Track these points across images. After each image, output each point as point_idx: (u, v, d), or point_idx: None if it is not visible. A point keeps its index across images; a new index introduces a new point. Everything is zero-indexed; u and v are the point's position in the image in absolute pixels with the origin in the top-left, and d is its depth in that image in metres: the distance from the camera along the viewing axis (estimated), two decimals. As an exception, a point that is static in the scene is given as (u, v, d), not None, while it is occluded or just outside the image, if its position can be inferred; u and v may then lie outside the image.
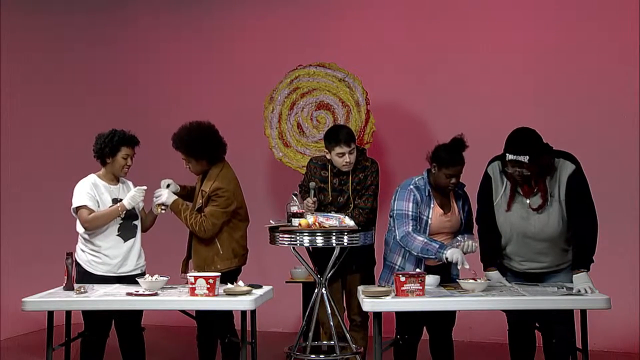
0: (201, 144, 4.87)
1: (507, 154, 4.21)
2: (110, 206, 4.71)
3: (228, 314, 4.76)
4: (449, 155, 4.43)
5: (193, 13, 7.26)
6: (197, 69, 7.22)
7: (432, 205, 4.51)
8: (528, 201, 4.29)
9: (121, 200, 4.74)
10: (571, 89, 6.14)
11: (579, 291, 4.09)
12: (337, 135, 5.00)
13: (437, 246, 4.34)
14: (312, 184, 5.06)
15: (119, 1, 7.47)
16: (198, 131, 4.91)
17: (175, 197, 4.88)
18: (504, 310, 4.37)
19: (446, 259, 4.30)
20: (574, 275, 4.18)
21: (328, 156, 5.07)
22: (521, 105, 6.07)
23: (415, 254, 4.41)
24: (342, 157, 4.97)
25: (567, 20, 6.20)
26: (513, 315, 4.42)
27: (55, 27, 7.34)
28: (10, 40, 7.07)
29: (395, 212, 4.52)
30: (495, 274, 4.32)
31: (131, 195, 4.71)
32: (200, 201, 4.86)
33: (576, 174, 4.28)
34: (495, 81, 6.31)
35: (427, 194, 4.51)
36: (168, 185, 4.92)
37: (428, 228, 4.50)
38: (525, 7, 6.33)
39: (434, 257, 4.35)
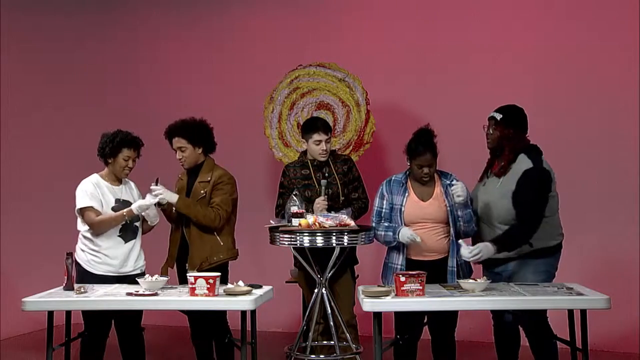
0: (201, 130, 4.98)
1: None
2: (114, 207, 4.71)
3: (221, 314, 4.79)
4: (416, 146, 4.56)
5: (193, 13, 7.27)
6: (197, 68, 7.22)
7: (407, 194, 4.60)
8: (488, 179, 4.48)
9: (124, 201, 4.75)
10: (571, 89, 6.14)
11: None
12: (315, 123, 5.23)
13: (391, 233, 4.54)
14: (323, 182, 5.13)
15: (119, 1, 7.47)
16: (195, 120, 5.02)
17: (176, 194, 4.87)
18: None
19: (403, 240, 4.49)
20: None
21: (305, 146, 5.25)
22: (521, 105, 6.07)
23: (385, 245, 4.64)
24: (319, 145, 5.13)
25: (567, 21, 6.20)
26: (497, 313, 4.46)
27: (56, 27, 7.34)
28: (10, 40, 7.07)
29: None
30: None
31: (139, 204, 4.68)
32: (203, 191, 4.89)
33: (531, 172, 4.35)
34: (495, 81, 6.30)
35: (402, 184, 4.63)
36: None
37: (402, 216, 4.58)
38: (525, 8, 6.33)
39: (395, 242, 4.54)
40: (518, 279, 4.39)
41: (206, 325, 4.94)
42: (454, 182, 4.48)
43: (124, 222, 4.71)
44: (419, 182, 4.61)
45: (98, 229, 4.68)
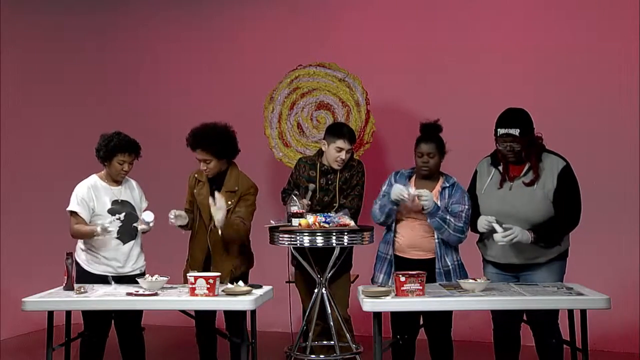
0: (225, 141, 4.85)
1: (498, 130, 4.37)
2: (111, 209, 4.70)
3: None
4: (420, 136, 4.59)
5: (193, 13, 7.26)
6: (197, 69, 7.22)
7: (406, 186, 4.58)
8: (512, 183, 4.37)
9: (123, 201, 4.75)
10: (571, 89, 6.14)
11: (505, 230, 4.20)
12: (342, 130, 5.14)
13: (387, 197, 4.50)
14: (311, 186, 5.10)
15: (119, 1, 7.47)
16: (219, 129, 4.87)
17: (224, 213, 4.69)
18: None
19: (396, 199, 4.44)
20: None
21: (324, 148, 5.16)
22: (521, 105, 6.07)
23: (382, 216, 4.56)
24: (340, 153, 5.07)
25: (567, 21, 6.19)
26: (499, 316, 4.44)
27: (55, 27, 7.34)
28: (10, 40, 7.06)
29: None
30: (489, 216, 4.33)
31: (103, 229, 4.59)
32: (230, 202, 4.78)
33: (568, 169, 4.37)
34: (495, 81, 6.30)
35: (407, 178, 4.62)
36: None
37: (398, 207, 4.58)
38: (525, 8, 6.33)
39: (391, 205, 4.49)
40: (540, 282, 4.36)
41: (212, 324, 4.92)
42: (423, 191, 4.41)
43: (119, 221, 4.69)
44: (422, 177, 4.61)
45: (74, 236, 4.71)
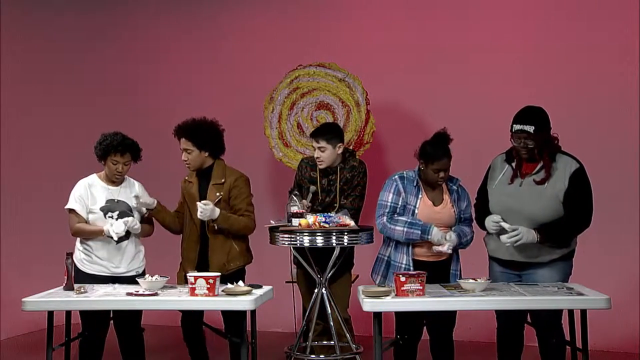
0: (209, 134, 4.88)
1: (513, 125, 4.37)
2: (103, 206, 4.70)
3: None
4: (434, 150, 4.52)
5: (193, 13, 7.26)
6: (197, 68, 7.22)
7: (420, 196, 4.55)
8: (522, 180, 4.37)
9: (120, 201, 4.74)
10: (571, 89, 6.14)
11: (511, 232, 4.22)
12: (315, 128, 5.22)
13: (420, 232, 4.44)
14: (312, 188, 5.10)
15: (120, 1, 7.47)
16: (206, 122, 4.92)
17: (217, 209, 4.73)
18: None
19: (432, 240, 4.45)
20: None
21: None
22: (521, 105, 6.07)
23: (402, 241, 4.50)
24: (314, 151, 5.09)
25: (567, 21, 6.20)
26: (503, 315, 4.44)
27: (55, 26, 7.34)
28: (10, 40, 7.06)
29: (378, 202, 4.63)
30: (494, 216, 4.36)
31: (109, 228, 4.59)
32: (219, 194, 4.80)
33: (581, 171, 4.37)
34: (495, 81, 6.31)
35: (415, 184, 4.56)
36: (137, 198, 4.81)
37: (414, 217, 4.53)
38: (525, 7, 6.33)
39: (421, 240, 4.47)
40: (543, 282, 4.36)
41: (199, 322, 4.91)
42: (449, 243, 4.47)
43: (113, 220, 4.65)
44: (431, 186, 4.60)
45: (75, 235, 4.72)
